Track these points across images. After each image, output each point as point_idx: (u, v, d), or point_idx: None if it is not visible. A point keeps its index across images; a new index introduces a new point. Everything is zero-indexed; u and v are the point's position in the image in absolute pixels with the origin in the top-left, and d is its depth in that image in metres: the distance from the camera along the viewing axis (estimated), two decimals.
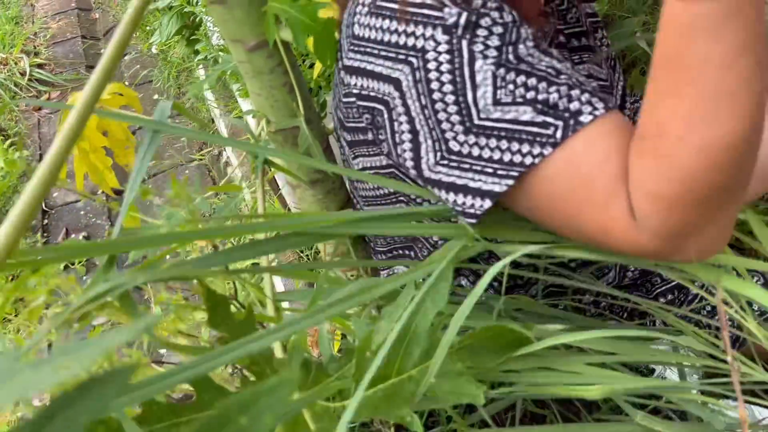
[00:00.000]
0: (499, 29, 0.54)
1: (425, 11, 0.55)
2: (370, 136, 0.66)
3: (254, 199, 1.50)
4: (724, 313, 0.50)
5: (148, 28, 2.63)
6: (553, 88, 0.52)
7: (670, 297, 0.87)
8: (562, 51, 0.74)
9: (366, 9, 0.61)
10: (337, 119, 0.71)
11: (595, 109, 0.51)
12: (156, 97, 2.68)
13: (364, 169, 0.71)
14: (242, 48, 0.69)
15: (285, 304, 0.69)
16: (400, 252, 0.85)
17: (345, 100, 0.66)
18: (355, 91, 0.63)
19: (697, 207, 0.46)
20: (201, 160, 2.30)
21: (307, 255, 1.38)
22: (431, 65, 0.55)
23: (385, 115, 0.61)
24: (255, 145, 0.71)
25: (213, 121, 2.29)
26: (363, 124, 0.66)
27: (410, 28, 0.56)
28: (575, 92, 0.52)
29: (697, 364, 0.84)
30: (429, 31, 0.54)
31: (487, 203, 0.55)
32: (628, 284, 0.90)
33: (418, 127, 0.58)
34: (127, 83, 2.69)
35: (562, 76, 0.53)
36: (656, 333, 0.89)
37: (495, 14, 0.54)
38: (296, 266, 1.19)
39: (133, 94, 0.68)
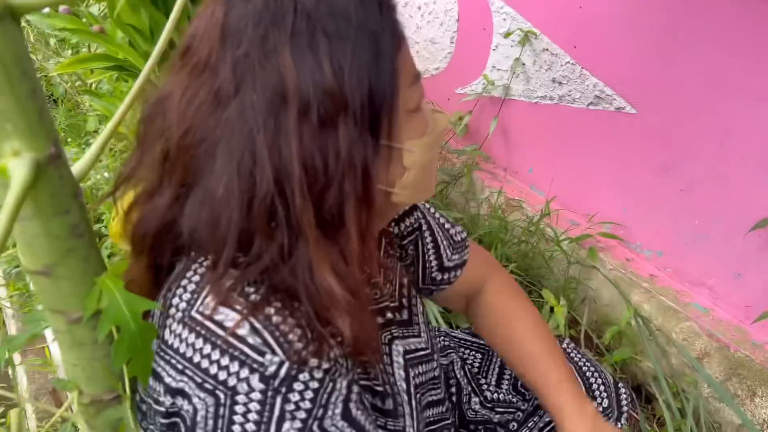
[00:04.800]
0: (314, 384, 0.53)
1: (245, 349, 0.51)
2: None
3: None
4: None
5: None
6: None
7: None
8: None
9: (180, 315, 0.55)
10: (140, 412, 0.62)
11: None
12: None
13: None
14: (63, 319, 0.62)
15: None
16: None
17: (154, 406, 0.59)
18: (161, 399, 0.57)
19: None
20: None
21: None
22: (239, 408, 0.51)
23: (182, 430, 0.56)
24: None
25: (4, 323, 1.99)
26: None
27: (224, 361, 0.51)
28: None
29: None
30: (245, 373, 0.51)
31: None
32: None
33: None
34: None
35: None
36: None
37: (313, 362, 0.53)
38: None
39: None
